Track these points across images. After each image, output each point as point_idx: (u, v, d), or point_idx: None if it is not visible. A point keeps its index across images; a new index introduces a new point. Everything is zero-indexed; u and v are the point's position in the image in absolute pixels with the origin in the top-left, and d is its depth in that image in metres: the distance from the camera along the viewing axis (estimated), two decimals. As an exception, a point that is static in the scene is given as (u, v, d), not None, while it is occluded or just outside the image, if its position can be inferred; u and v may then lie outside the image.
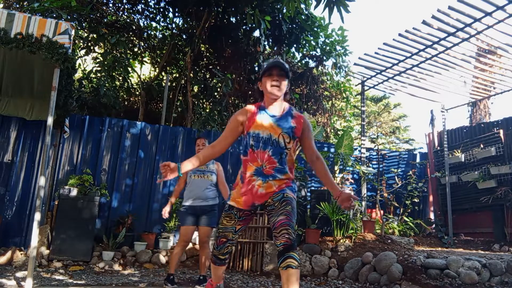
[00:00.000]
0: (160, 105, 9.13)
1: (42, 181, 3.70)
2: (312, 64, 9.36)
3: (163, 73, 9.28)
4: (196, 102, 8.90)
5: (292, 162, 2.43)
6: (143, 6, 9.16)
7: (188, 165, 2.35)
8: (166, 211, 4.22)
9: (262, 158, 2.30)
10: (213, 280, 2.73)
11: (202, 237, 4.07)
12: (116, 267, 5.32)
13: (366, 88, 7.98)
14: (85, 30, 8.36)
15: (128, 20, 9.10)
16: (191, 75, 8.75)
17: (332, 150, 7.69)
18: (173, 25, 9.37)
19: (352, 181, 7.04)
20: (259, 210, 2.50)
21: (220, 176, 4.25)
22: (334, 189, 2.33)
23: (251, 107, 2.40)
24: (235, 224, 2.41)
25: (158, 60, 9.49)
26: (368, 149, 8.43)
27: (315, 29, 8.45)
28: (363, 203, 6.80)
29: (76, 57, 8.15)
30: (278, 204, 2.27)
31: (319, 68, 9.47)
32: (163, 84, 8.83)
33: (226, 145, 2.40)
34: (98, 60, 8.33)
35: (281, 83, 2.30)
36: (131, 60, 8.98)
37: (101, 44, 8.42)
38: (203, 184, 4.14)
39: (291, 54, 9.42)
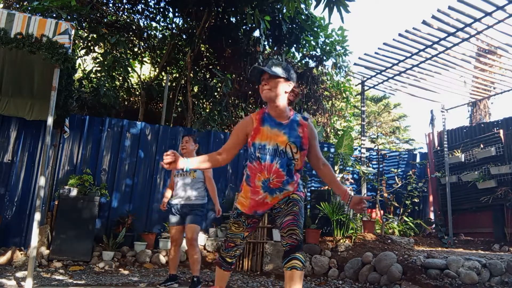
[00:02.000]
0: (160, 105, 9.13)
1: (42, 181, 3.70)
2: (312, 64, 9.35)
3: (163, 73, 9.27)
4: (196, 102, 8.90)
5: (299, 169, 2.33)
6: (143, 6, 9.15)
7: (194, 163, 2.23)
8: (164, 204, 4.26)
9: (269, 171, 2.20)
10: (216, 285, 2.60)
11: (188, 236, 3.93)
12: (116, 267, 5.32)
13: (366, 88, 7.98)
14: (85, 30, 8.36)
15: (128, 20, 9.10)
16: (191, 75, 8.74)
17: (332, 150, 7.69)
18: (173, 25, 9.37)
19: (352, 181, 7.05)
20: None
21: (207, 172, 4.13)
22: (343, 193, 2.26)
23: (255, 116, 2.28)
24: (243, 231, 2.40)
25: (158, 60, 9.48)
26: (368, 149, 8.43)
27: (315, 29, 8.45)
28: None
29: (76, 57, 8.14)
30: (284, 205, 2.25)
31: (319, 68, 9.47)
32: (163, 84, 8.83)
33: (232, 155, 2.30)
34: (98, 60, 8.33)
35: (270, 84, 2.18)
36: (131, 60, 8.98)
37: (101, 44, 8.42)
38: (185, 182, 4.08)
39: (291, 54, 9.42)
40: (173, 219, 4.06)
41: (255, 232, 5.73)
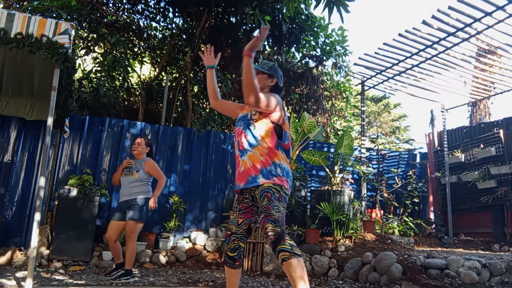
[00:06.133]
0: (160, 105, 9.13)
1: (42, 181, 3.70)
2: (312, 64, 9.35)
3: (163, 73, 9.27)
4: (196, 102, 8.90)
5: (271, 140, 2.40)
6: (143, 6, 9.14)
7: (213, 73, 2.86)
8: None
9: (238, 133, 2.53)
10: None
11: (125, 232, 4.29)
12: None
13: (366, 88, 7.97)
14: (85, 30, 8.35)
15: (128, 20, 9.09)
16: (191, 75, 8.74)
17: (332, 150, 7.69)
18: (173, 25, 9.37)
19: (352, 181, 7.04)
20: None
21: (153, 169, 4.49)
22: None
23: None
24: (237, 217, 2.45)
25: (158, 60, 9.48)
26: (368, 149, 8.43)
27: (315, 29, 8.44)
28: (363, 203, 6.80)
29: (76, 57, 8.14)
30: (259, 201, 2.32)
31: (319, 68, 9.46)
32: (163, 84, 8.82)
33: (222, 104, 2.82)
34: (98, 60, 8.32)
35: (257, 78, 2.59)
36: (131, 60, 8.97)
37: (101, 44, 8.41)
38: (127, 181, 4.39)
39: (291, 54, 9.42)
40: (115, 215, 4.45)
41: (255, 232, 5.73)
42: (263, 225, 2.21)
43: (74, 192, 5.57)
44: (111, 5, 9.10)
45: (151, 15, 9.28)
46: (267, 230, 2.18)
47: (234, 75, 8.63)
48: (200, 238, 6.22)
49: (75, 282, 4.21)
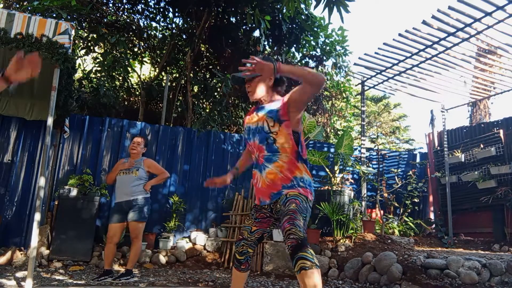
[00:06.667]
0: (160, 105, 9.13)
1: (42, 181, 3.70)
2: (312, 64, 9.35)
3: (163, 73, 9.27)
4: (196, 102, 8.89)
5: (291, 151, 2.27)
6: (143, 6, 9.14)
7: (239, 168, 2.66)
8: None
9: (254, 147, 2.36)
10: None
11: (131, 233, 4.33)
12: (116, 267, 5.32)
13: (366, 88, 7.97)
14: (85, 30, 8.35)
15: (128, 20, 9.09)
16: (191, 75, 8.74)
17: (332, 150, 7.69)
18: (173, 25, 9.37)
19: (352, 181, 7.04)
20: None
21: (153, 167, 4.57)
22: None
23: (253, 107, 2.53)
24: (251, 224, 2.38)
25: (158, 60, 9.48)
26: (368, 149, 8.43)
27: (315, 29, 8.44)
28: (363, 203, 6.80)
29: (76, 57, 8.13)
30: (283, 207, 2.19)
31: (319, 68, 9.46)
32: (163, 84, 8.83)
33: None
34: (98, 60, 8.32)
35: (250, 86, 2.42)
36: (131, 60, 8.97)
37: (101, 44, 8.41)
38: (128, 179, 4.39)
39: (291, 54, 9.42)
40: (115, 217, 4.39)
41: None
42: (285, 227, 2.05)
43: (74, 192, 5.57)
44: (111, 5, 9.10)
45: (151, 15, 9.28)
46: (290, 232, 2.03)
47: (234, 75, 8.62)
48: (200, 238, 6.22)
49: (75, 282, 4.21)
